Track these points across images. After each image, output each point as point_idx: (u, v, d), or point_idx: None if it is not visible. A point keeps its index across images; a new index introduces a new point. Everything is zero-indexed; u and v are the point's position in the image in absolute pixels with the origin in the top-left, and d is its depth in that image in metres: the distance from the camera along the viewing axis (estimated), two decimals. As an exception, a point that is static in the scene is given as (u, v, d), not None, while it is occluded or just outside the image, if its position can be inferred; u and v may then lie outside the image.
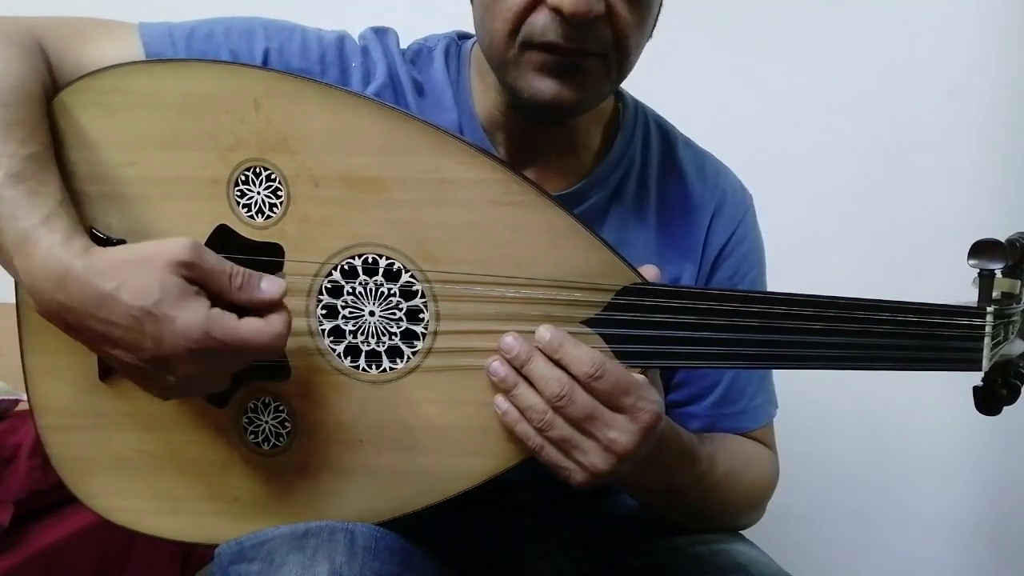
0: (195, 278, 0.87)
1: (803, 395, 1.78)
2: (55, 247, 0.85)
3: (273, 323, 0.90)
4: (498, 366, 0.94)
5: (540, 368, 0.93)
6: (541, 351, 0.93)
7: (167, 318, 0.84)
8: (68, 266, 0.84)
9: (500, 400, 0.95)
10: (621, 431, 0.92)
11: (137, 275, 0.85)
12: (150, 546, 1.52)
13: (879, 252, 2.02)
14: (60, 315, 0.86)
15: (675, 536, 1.21)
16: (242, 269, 0.90)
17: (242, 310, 0.89)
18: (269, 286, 0.91)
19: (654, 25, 1.12)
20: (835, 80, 2.00)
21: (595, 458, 0.93)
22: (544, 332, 0.93)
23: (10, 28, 0.97)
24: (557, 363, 0.93)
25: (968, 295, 0.95)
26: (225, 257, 0.90)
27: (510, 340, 0.94)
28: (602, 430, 0.92)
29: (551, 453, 0.94)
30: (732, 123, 1.89)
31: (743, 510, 1.22)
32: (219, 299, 0.88)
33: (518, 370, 0.94)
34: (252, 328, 0.88)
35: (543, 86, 1.02)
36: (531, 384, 0.93)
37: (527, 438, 0.94)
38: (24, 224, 0.85)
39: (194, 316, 0.85)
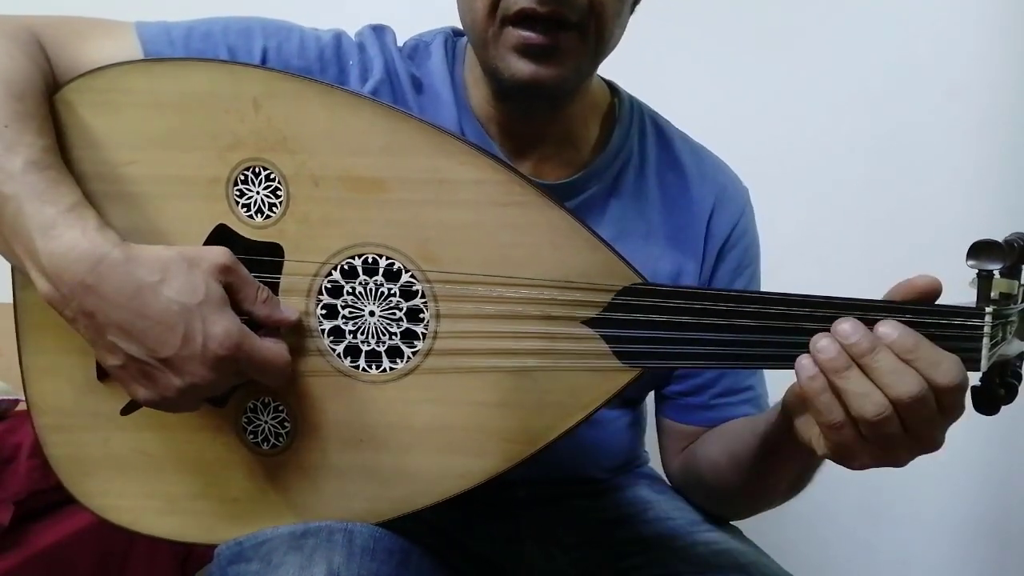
0: (230, 284, 0.91)
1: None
2: (90, 231, 0.87)
3: (283, 348, 0.94)
4: (827, 344, 0.88)
5: (890, 362, 0.86)
6: (889, 347, 0.87)
7: (208, 320, 0.87)
8: (106, 252, 0.86)
9: (808, 363, 0.89)
10: (942, 430, 0.90)
11: (183, 273, 0.88)
12: (150, 546, 1.52)
13: (879, 252, 2.02)
14: (79, 299, 0.87)
15: (674, 536, 1.22)
16: (265, 287, 0.94)
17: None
18: (287, 308, 0.96)
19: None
20: (835, 80, 2.00)
21: (904, 454, 0.90)
22: (891, 330, 0.87)
23: (10, 26, 0.98)
24: (909, 363, 0.86)
25: (967, 295, 0.95)
26: None
27: (848, 327, 0.88)
28: (929, 432, 0.89)
29: (848, 435, 0.88)
30: (732, 123, 1.89)
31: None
32: (238, 308, 0.91)
33: (855, 359, 0.88)
34: (272, 349, 0.93)
35: (521, 66, 1.03)
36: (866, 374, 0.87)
37: (828, 411, 0.88)
38: (51, 210, 0.87)
39: (232, 325, 0.89)
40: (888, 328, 0.87)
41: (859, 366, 0.87)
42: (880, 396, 0.85)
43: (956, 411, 0.89)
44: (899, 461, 0.90)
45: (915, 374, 0.86)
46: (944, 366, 0.86)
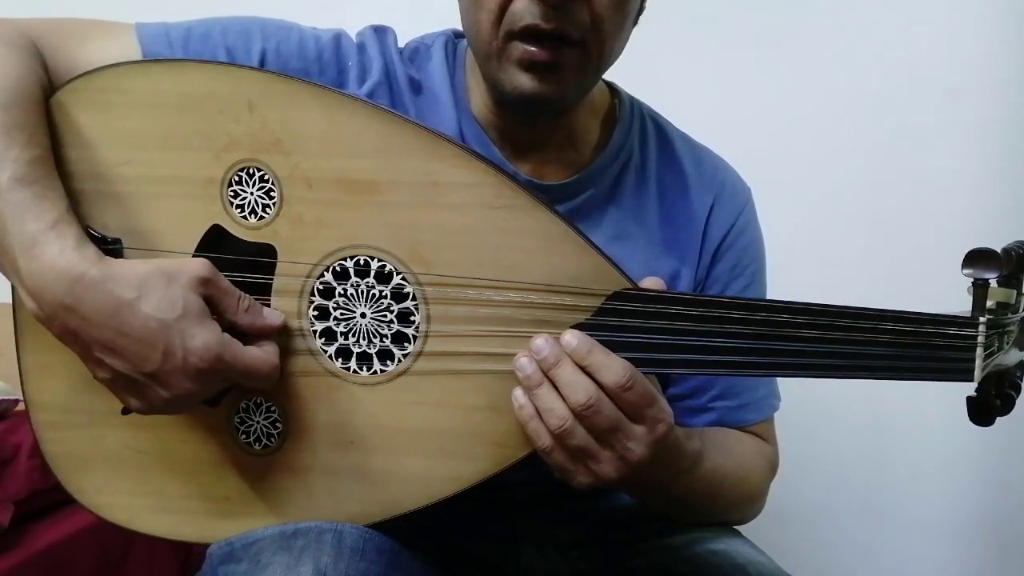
0: (210, 295, 0.91)
1: (803, 395, 1.79)
2: (67, 251, 0.87)
3: (270, 354, 0.94)
4: (525, 363, 0.94)
5: (567, 373, 0.92)
6: (569, 356, 0.93)
7: (187, 334, 0.87)
8: (83, 271, 0.86)
9: (519, 393, 0.95)
10: (638, 442, 0.92)
11: (160, 288, 0.88)
12: (150, 546, 1.52)
13: (879, 252, 2.02)
14: (62, 318, 0.87)
15: (672, 536, 1.21)
16: (247, 295, 0.94)
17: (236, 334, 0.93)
18: (271, 314, 0.96)
19: (639, 12, 1.12)
20: (835, 80, 2.00)
21: (608, 466, 0.93)
22: (571, 338, 0.93)
23: (6, 30, 0.98)
24: (584, 370, 0.92)
25: (967, 301, 0.95)
26: (219, 256, 0.95)
27: (540, 342, 0.93)
28: (622, 441, 0.92)
29: (559, 457, 0.94)
30: (732, 123, 1.88)
31: (733, 505, 1.22)
32: (220, 318, 0.92)
33: (544, 372, 0.93)
34: (256, 356, 0.93)
35: (524, 80, 1.03)
36: (555, 387, 0.93)
37: (537, 437, 0.93)
38: (32, 227, 0.86)
39: (211, 337, 0.89)
40: (569, 337, 0.94)
41: (548, 379, 0.93)
42: (563, 408, 0.91)
43: (646, 418, 0.93)
44: (607, 477, 0.94)
45: (587, 380, 0.91)
46: (612, 368, 0.91)
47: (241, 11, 1.14)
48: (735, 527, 1.26)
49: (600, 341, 0.93)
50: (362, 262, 0.96)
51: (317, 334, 0.98)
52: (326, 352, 0.98)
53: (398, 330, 0.97)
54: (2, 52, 0.94)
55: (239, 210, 0.97)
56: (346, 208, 0.96)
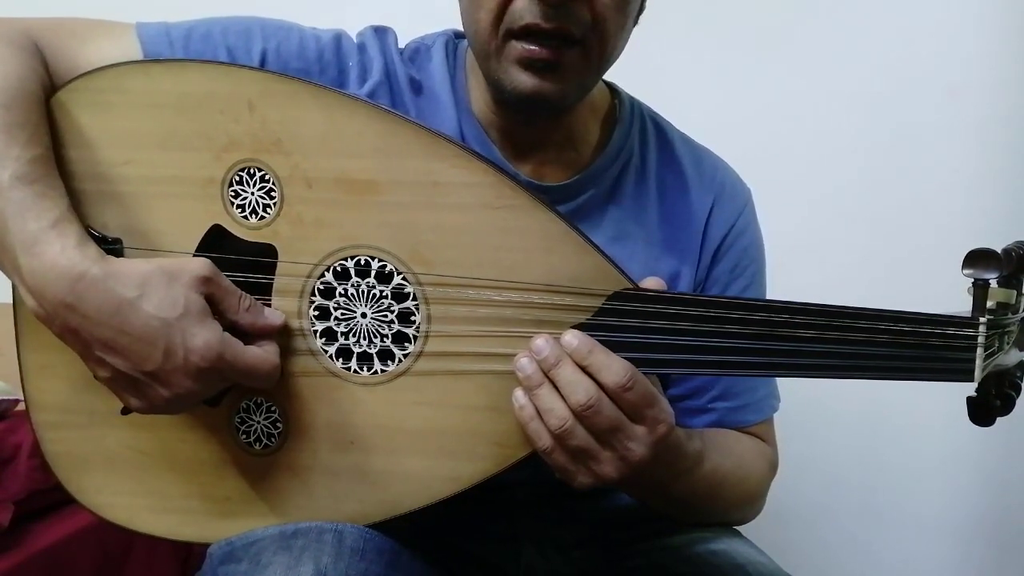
0: (211, 295, 0.91)
1: (803, 395, 1.79)
2: (69, 249, 0.86)
3: (270, 353, 0.94)
4: (526, 363, 0.94)
5: (568, 374, 0.92)
6: (570, 356, 0.93)
7: (188, 333, 0.87)
8: (85, 270, 0.86)
9: (519, 394, 0.95)
10: (639, 443, 0.92)
11: (161, 287, 0.88)
12: (150, 546, 1.52)
13: (879, 252, 2.02)
14: (62, 317, 0.87)
15: (672, 536, 1.21)
16: (248, 295, 0.94)
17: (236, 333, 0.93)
18: (272, 314, 0.96)
19: (640, 11, 1.12)
20: (835, 80, 2.00)
21: (608, 467, 0.93)
22: (571, 338, 0.93)
23: (7, 29, 0.98)
24: (585, 370, 0.92)
25: (967, 302, 0.95)
26: (220, 256, 0.95)
27: (540, 342, 0.93)
28: (622, 441, 0.92)
29: (560, 457, 0.94)
30: (732, 123, 1.88)
31: (733, 506, 1.22)
32: (222, 317, 0.92)
33: (545, 372, 0.93)
34: (257, 355, 0.93)
35: (523, 79, 1.03)
36: (556, 388, 0.93)
37: (538, 437, 0.93)
38: (34, 226, 0.86)
39: (212, 336, 0.89)
40: (569, 337, 0.94)
41: (549, 380, 0.93)
42: (563, 408, 0.91)
43: (646, 418, 0.93)
44: (607, 477, 0.95)
45: (588, 380, 0.91)
46: (613, 368, 0.91)
47: (241, 11, 1.13)
48: (735, 527, 1.26)
49: (600, 341, 0.93)
50: (363, 262, 0.96)
51: (318, 334, 0.98)
52: (327, 352, 0.98)
53: (399, 330, 0.97)
54: (3, 51, 0.94)
55: (240, 210, 0.97)
56: (346, 208, 0.96)
